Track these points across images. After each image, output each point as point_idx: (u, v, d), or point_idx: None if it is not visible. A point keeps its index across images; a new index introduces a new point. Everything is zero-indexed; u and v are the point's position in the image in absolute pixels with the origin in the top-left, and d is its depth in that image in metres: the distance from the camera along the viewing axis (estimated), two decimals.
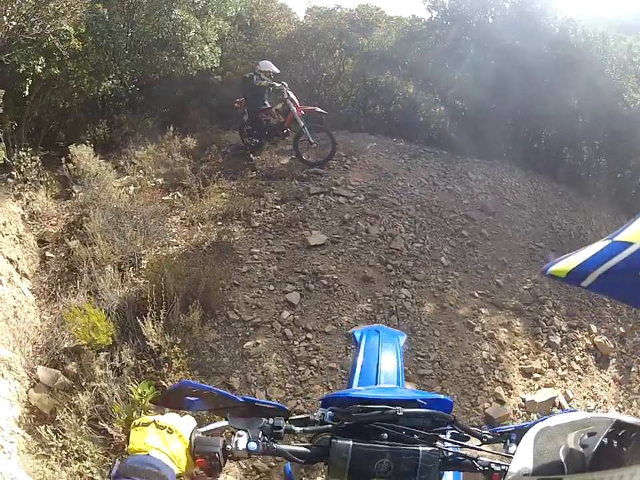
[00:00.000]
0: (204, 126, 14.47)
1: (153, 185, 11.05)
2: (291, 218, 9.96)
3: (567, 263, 1.36)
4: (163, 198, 10.71)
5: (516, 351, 8.36)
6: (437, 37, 15.68)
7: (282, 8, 18.74)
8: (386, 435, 2.05)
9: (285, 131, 12.43)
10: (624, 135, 14.26)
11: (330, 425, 2.14)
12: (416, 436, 2.06)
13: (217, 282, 7.75)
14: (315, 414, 2.22)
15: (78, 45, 10.55)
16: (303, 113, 12.06)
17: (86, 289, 7.58)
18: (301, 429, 2.16)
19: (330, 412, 2.20)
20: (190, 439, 1.90)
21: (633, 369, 9.06)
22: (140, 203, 9.73)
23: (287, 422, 2.17)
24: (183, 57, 13.25)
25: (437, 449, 2.02)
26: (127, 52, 12.98)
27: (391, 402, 2.16)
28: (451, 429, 2.18)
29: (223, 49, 15.41)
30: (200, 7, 14.51)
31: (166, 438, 1.83)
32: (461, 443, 2.12)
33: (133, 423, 1.90)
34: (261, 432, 2.05)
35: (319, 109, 12.16)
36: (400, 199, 11.39)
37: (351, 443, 1.99)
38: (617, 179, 15.92)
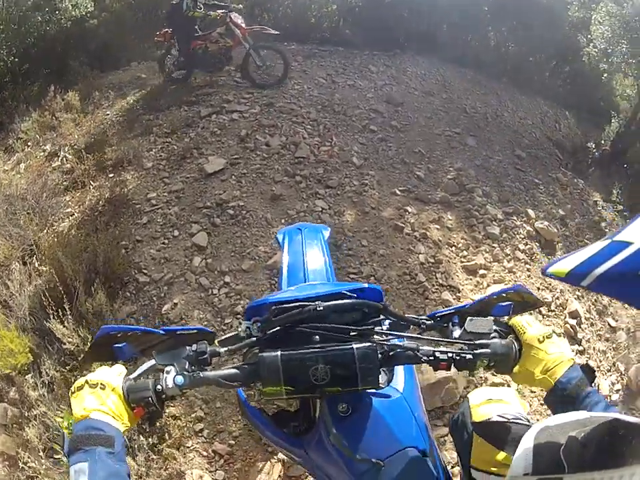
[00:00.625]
0: (85, 75, 13.35)
1: (42, 153, 10.12)
2: (184, 148, 8.99)
3: (567, 262, 1.33)
4: (53, 165, 9.63)
5: (454, 247, 7.61)
6: None
7: None
8: (317, 337, 1.89)
9: (230, 56, 11.46)
10: (537, 24, 14.42)
11: (254, 338, 1.97)
12: (351, 333, 1.91)
13: (116, 246, 6.89)
14: (240, 329, 2.04)
15: None
16: (247, 34, 11.11)
17: None
18: (226, 348, 1.99)
19: (253, 324, 2.01)
20: (122, 389, 1.79)
21: None
22: (30, 180, 8.79)
23: (215, 344, 2.01)
24: (57, 12, 12.47)
25: (372, 344, 1.85)
26: (1, 27, 12.06)
27: (314, 299, 1.96)
28: (386, 319, 2.05)
29: None
30: None
31: (101, 396, 1.74)
32: (399, 333, 1.98)
33: (70, 391, 1.78)
34: (187, 362, 1.88)
35: (269, 29, 11.25)
36: (298, 103, 10.48)
37: (278, 353, 1.82)
38: (529, 63, 15.68)
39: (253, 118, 9.79)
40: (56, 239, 7.10)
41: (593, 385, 1.90)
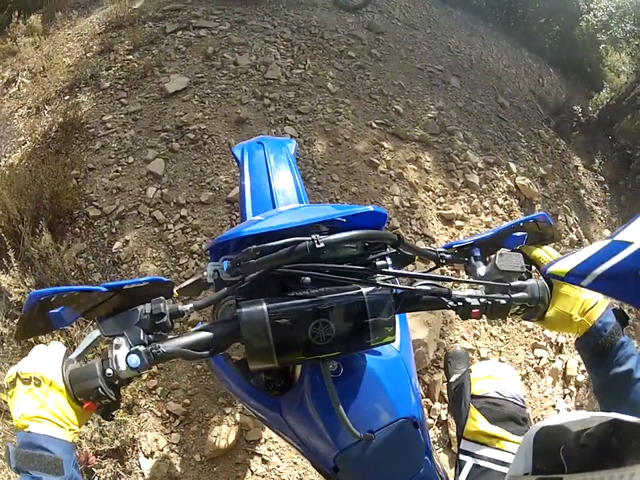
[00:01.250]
0: None
1: (0, 80, 9.23)
2: (145, 66, 8.15)
3: (567, 262, 1.25)
4: (10, 92, 8.83)
5: (430, 192, 7.07)
6: None
7: None
8: (308, 278, 1.45)
9: None
10: None
11: (232, 285, 1.49)
12: (353, 275, 1.49)
13: (65, 177, 6.09)
14: (205, 273, 1.58)
15: None
16: None
17: None
18: (190, 305, 1.49)
19: (221, 266, 1.57)
20: (63, 380, 1.37)
21: (559, 218, 8.17)
22: None
23: (174, 300, 1.51)
24: None
25: (387, 286, 1.48)
26: None
27: (305, 229, 1.49)
28: (392, 253, 1.60)
29: None
30: None
31: (37, 395, 1.34)
32: (418, 274, 1.61)
33: (4, 388, 1.42)
34: (141, 330, 1.41)
35: None
36: (272, 22, 9.85)
37: (264, 306, 1.40)
38: (516, 13, 15.56)
39: (222, 35, 9.11)
40: (4, 173, 6.31)
41: (624, 332, 1.73)
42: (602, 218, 9.20)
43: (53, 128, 7.37)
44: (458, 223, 6.81)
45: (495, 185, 7.73)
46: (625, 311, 1.80)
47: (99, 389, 1.36)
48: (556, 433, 1.32)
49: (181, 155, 6.73)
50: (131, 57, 8.69)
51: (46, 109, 8.01)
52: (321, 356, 1.47)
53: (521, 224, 1.91)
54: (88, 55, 9.07)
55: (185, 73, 8.07)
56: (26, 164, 6.75)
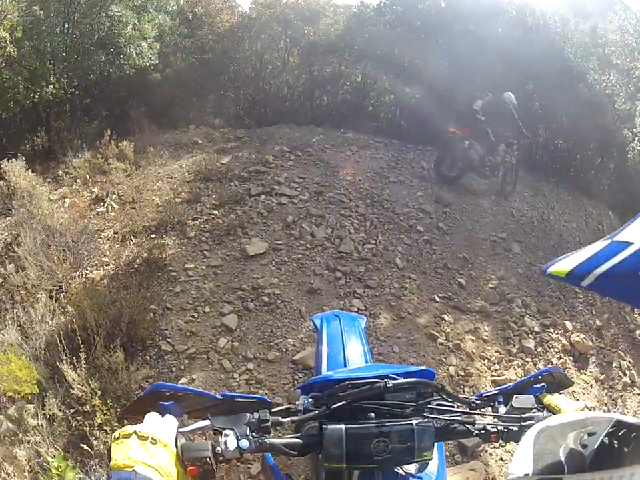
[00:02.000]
0: (142, 127, 13.37)
1: (89, 195, 9.83)
2: (229, 225, 8.69)
3: (567, 262, 1.27)
4: (98, 210, 9.31)
5: (486, 360, 7.18)
6: (386, 23, 14.75)
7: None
8: (373, 414, 1.90)
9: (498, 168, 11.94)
10: (584, 118, 13.46)
11: (317, 412, 1.94)
12: (406, 410, 1.94)
13: (144, 309, 6.54)
14: (297, 402, 2.04)
15: (13, 51, 9.82)
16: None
17: (16, 322, 6.25)
18: (288, 419, 1.96)
19: (311, 399, 2.03)
20: (176, 446, 1.62)
21: (614, 365, 8.01)
22: (72, 218, 8.39)
23: (272, 414, 1.95)
24: (121, 56, 12.09)
25: (430, 420, 1.92)
26: (64, 54, 11.68)
27: (374, 379, 1.97)
28: (436, 399, 2.07)
29: (163, 44, 14.08)
30: (139, 1, 13.14)
31: (151, 450, 1.54)
32: (453, 409, 2.04)
33: (112, 436, 1.57)
34: (248, 428, 1.82)
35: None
36: (348, 195, 10.19)
37: (343, 426, 1.83)
38: (575, 160, 15.03)
39: (302, 205, 9.52)
40: (86, 285, 6.95)
41: None
42: None
43: (137, 260, 7.76)
44: None
45: (550, 346, 7.74)
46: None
47: (207, 458, 1.65)
48: (556, 433, 1.35)
49: (254, 315, 7.03)
50: (216, 212, 9.11)
51: (132, 240, 8.40)
52: (377, 465, 1.86)
53: (539, 377, 2.23)
54: (176, 200, 9.53)
55: (265, 238, 8.46)
56: (107, 284, 7.16)
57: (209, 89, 15.64)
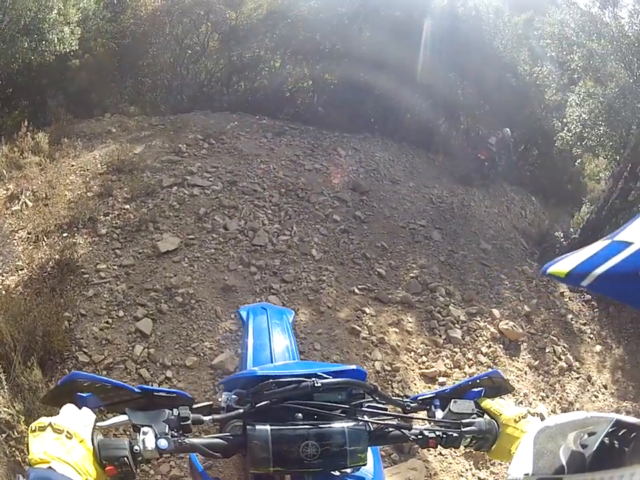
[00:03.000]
0: (59, 117, 12.33)
1: (4, 192, 9.12)
2: (141, 219, 8.14)
3: (566, 263, 1.18)
4: (12, 209, 8.63)
5: (412, 353, 7.03)
6: (310, 8, 14.01)
7: None
8: (300, 414, 1.81)
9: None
10: (510, 106, 14.27)
11: (241, 410, 1.83)
12: (336, 411, 1.88)
13: (58, 318, 6.02)
14: (220, 399, 1.93)
15: None
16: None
17: None
18: (210, 417, 1.82)
19: (234, 395, 1.90)
20: (92, 442, 1.52)
21: (547, 350, 8.03)
22: None
23: (193, 411, 1.80)
24: (44, 42, 11.27)
25: (363, 423, 1.85)
26: None
27: (301, 377, 1.88)
28: (368, 401, 1.97)
29: (85, 29, 13.23)
30: None
31: (66, 444, 1.45)
32: (387, 412, 1.97)
33: (30, 427, 1.49)
34: (167, 426, 1.69)
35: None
36: (262, 184, 9.79)
37: (268, 427, 1.74)
38: None
39: (214, 195, 9.05)
40: (1, 295, 6.44)
41: None
42: (592, 335, 8.99)
43: (50, 263, 7.21)
44: (441, 379, 6.70)
45: (479, 335, 7.61)
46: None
47: (125, 458, 1.50)
48: (556, 433, 1.30)
49: (169, 317, 6.57)
50: (128, 206, 8.56)
51: (45, 241, 7.83)
52: (307, 470, 1.74)
53: (477, 380, 2.12)
54: (88, 194, 8.95)
55: (177, 233, 7.97)
56: (22, 291, 6.70)
57: (126, 75, 14.88)
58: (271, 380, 1.85)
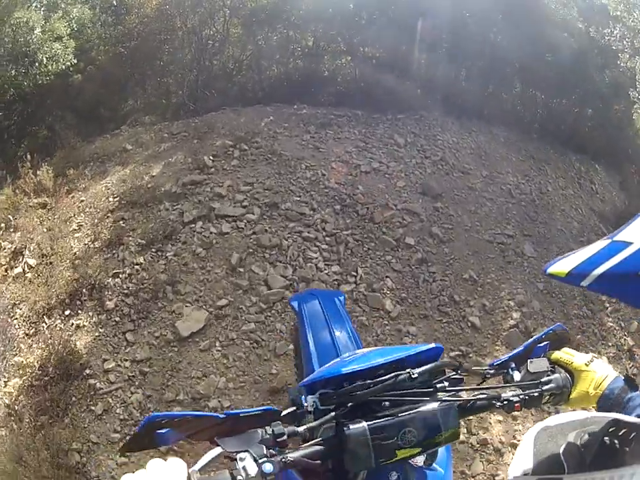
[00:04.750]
0: (67, 140, 10.76)
1: (9, 247, 7.65)
2: (156, 281, 6.29)
3: (567, 262, 1.26)
4: (15, 271, 7.19)
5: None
6: None
7: None
8: (387, 403, 1.71)
9: None
10: (565, 67, 11.79)
11: (334, 413, 1.69)
12: (420, 392, 1.77)
13: (66, 452, 4.81)
14: (305, 404, 1.73)
15: None
16: None
17: None
18: (305, 427, 1.65)
19: (319, 397, 1.75)
20: None
21: None
22: None
23: (283, 424, 1.65)
24: (35, 64, 10.16)
25: (451, 400, 1.76)
26: None
27: (383, 368, 1.81)
28: (448, 377, 1.89)
29: (85, 39, 12.06)
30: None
31: None
32: (471, 387, 1.90)
33: None
34: (264, 447, 1.52)
35: None
36: (310, 202, 7.69)
37: (365, 424, 1.61)
38: (553, 110, 13.14)
39: (250, 229, 7.06)
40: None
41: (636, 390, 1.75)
42: None
43: (51, 360, 5.65)
44: None
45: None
46: (632, 376, 1.88)
47: None
48: (556, 433, 1.25)
49: (201, 447, 4.74)
50: (141, 259, 6.76)
51: (45, 322, 6.31)
52: (407, 454, 1.62)
53: (543, 336, 2.04)
54: (96, 243, 7.24)
55: (204, 299, 6.14)
56: (24, 403, 5.36)
57: (142, 79, 13.05)
58: (356, 379, 1.71)
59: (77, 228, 7.64)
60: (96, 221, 7.69)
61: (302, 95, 11.58)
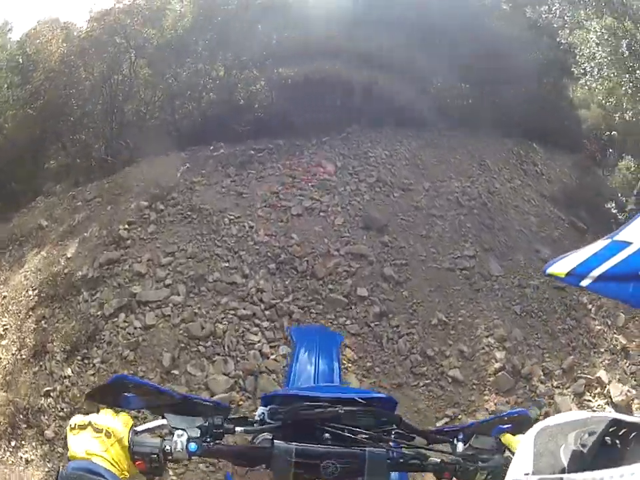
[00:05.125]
0: None
1: None
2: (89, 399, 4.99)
3: (566, 263, 1.22)
4: None
5: None
6: (241, 3, 11.57)
7: (54, 27, 13.16)
8: (327, 434, 1.73)
9: None
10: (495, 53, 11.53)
11: (272, 425, 1.77)
12: (361, 436, 1.76)
13: None
14: (255, 413, 1.83)
15: None
16: None
17: None
18: (242, 428, 1.74)
19: (268, 411, 1.80)
20: (129, 441, 1.52)
21: None
22: None
23: (227, 421, 1.74)
24: None
25: (384, 449, 1.74)
26: None
27: (334, 401, 1.83)
28: (395, 429, 1.86)
29: None
30: None
31: (105, 442, 1.48)
32: (409, 443, 1.84)
33: (69, 425, 1.48)
34: (200, 431, 1.64)
35: None
36: (241, 265, 7.07)
37: (294, 446, 1.65)
38: (485, 97, 12.79)
39: (177, 316, 6.32)
40: None
41: None
42: None
43: None
44: None
45: None
46: None
47: (156, 455, 1.48)
48: (556, 433, 1.05)
49: None
50: (69, 371, 6.14)
51: None
52: None
53: (505, 418, 1.88)
54: (23, 353, 6.65)
55: (143, 417, 4.39)
56: None
57: (54, 139, 12.26)
58: (305, 402, 1.74)
59: (2, 333, 7.15)
60: (19, 322, 7.19)
61: (219, 130, 10.95)
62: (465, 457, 1.74)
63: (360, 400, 1.81)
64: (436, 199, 8.48)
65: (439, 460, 1.71)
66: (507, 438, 1.78)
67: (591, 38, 10.37)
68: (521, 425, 1.84)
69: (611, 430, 0.98)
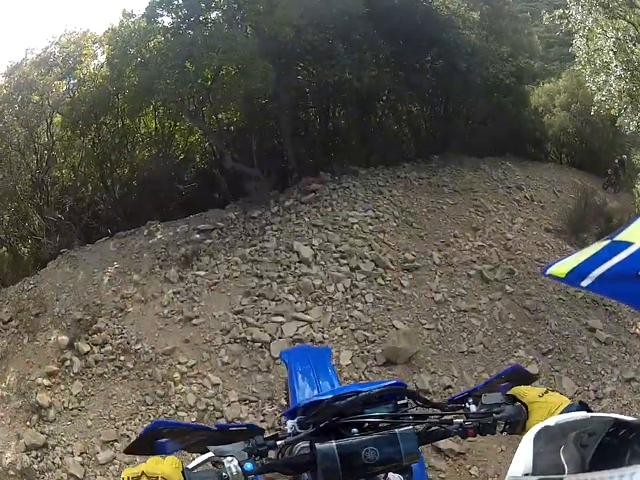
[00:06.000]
0: None
1: None
2: None
3: (567, 263, 1.23)
4: None
5: None
6: (166, 31, 10.09)
7: None
8: (355, 428, 1.84)
9: None
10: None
11: (305, 432, 1.86)
12: (386, 421, 1.87)
13: None
14: (286, 427, 1.96)
15: None
16: None
17: None
18: (282, 441, 1.83)
19: (297, 422, 1.92)
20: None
21: None
22: None
23: (265, 440, 1.84)
24: None
25: (410, 426, 1.85)
26: None
27: (352, 394, 1.94)
28: (412, 408, 2.00)
29: None
30: None
31: None
32: (429, 414, 1.99)
33: (121, 478, 1.48)
34: (246, 454, 1.71)
35: None
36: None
37: (334, 443, 1.75)
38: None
39: None
40: None
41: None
42: None
43: None
44: None
45: None
46: (587, 403, 1.95)
47: None
48: (556, 433, 1.12)
49: None
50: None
51: None
52: (369, 472, 1.71)
53: (502, 376, 2.07)
54: None
55: None
56: None
57: None
58: (326, 401, 1.83)
59: None
60: None
61: (154, 202, 9.59)
62: (481, 414, 1.85)
63: (375, 389, 1.87)
64: (455, 277, 6.43)
65: (461, 421, 1.81)
66: (512, 390, 1.91)
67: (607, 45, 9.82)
68: (521, 378, 2.02)
69: (610, 430, 0.99)
